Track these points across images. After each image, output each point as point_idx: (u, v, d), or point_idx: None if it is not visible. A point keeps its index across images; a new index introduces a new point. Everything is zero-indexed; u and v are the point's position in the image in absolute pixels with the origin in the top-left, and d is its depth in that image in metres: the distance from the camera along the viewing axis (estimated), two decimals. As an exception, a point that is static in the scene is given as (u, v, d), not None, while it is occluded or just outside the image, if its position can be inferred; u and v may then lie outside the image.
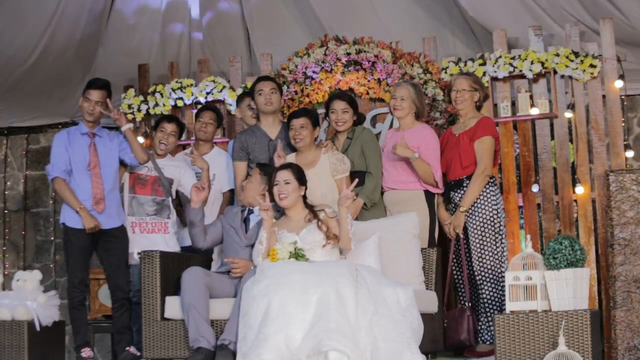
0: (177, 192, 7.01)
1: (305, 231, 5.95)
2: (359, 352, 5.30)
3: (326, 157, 6.74)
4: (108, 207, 6.48)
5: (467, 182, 6.67)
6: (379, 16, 8.62)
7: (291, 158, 6.72)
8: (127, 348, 6.45)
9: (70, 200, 6.43)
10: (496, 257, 6.62)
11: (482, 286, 6.63)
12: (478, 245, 6.63)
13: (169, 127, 6.97)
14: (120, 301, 6.51)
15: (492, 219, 6.62)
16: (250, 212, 6.39)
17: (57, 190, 6.57)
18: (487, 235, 6.62)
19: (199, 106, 8.19)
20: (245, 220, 6.36)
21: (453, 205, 6.76)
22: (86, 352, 6.40)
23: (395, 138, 6.77)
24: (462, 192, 6.69)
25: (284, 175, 6.09)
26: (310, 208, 6.08)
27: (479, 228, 6.62)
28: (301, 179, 6.11)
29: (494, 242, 6.62)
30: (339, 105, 6.86)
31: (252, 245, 6.19)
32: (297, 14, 8.92)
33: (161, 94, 8.28)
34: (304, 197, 6.14)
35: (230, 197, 7.36)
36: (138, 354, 6.37)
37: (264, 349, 5.31)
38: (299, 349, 5.32)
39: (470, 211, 6.65)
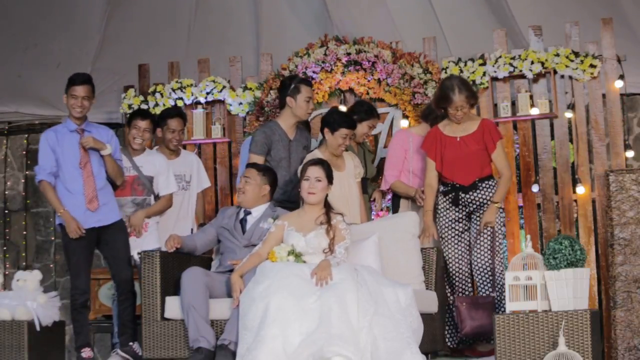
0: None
1: (313, 234, 5.89)
2: (360, 354, 5.31)
3: (350, 160, 6.88)
4: (104, 203, 6.40)
5: (481, 184, 6.67)
6: (387, 15, 8.62)
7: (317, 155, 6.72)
8: (130, 343, 6.43)
9: (53, 202, 6.39)
10: (492, 257, 6.64)
11: (480, 285, 6.65)
12: (478, 245, 6.65)
13: (143, 124, 6.90)
14: (125, 294, 6.47)
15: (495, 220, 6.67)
16: (248, 213, 6.37)
17: (42, 192, 6.53)
18: (486, 235, 6.64)
19: (199, 106, 8.21)
20: (242, 221, 6.35)
21: (462, 207, 6.71)
22: (86, 352, 6.38)
23: (418, 141, 6.97)
24: (475, 193, 6.66)
25: (316, 172, 5.99)
26: (328, 209, 6.00)
27: (478, 228, 6.65)
28: (330, 178, 6.03)
29: (491, 242, 6.64)
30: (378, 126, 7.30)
31: (251, 245, 6.19)
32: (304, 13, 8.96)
33: (161, 94, 8.28)
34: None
35: (203, 198, 7.44)
36: (140, 353, 6.35)
37: (260, 351, 5.31)
38: (296, 353, 5.31)
39: (476, 212, 6.67)
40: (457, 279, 6.72)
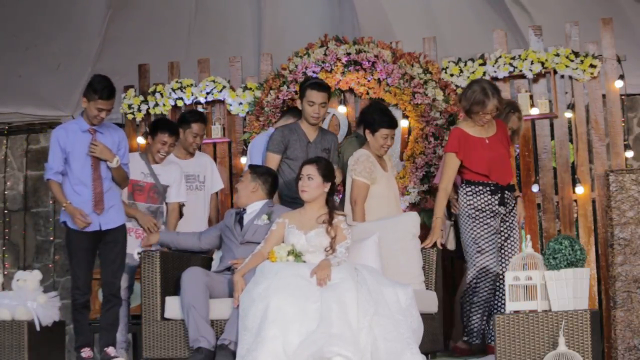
0: None
1: (314, 233, 5.90)
2: (360, 354, 5.31)
3: (387, 158, 6.89)
4: (110, 206, 6.32)
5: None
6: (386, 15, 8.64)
7: (371, 159, 6.72)
8: (105, 349, 6.31)
9: (58, 196, 6.30)
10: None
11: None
12: (513, 246, 6.74)
13: (170, 140, 6.94)
14: (106, 297, 6.37)
15: None
16: (244, 211, 6.40)
17: (50, 189, 6.49)
18: (517, 235, 6.76)
19: (199, 106, 8.20)
20: (240, 220, 6.37)
21: (502, 207, 6.63)
22: (86, 352, 6.33)
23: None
24: (511, 192, 6.70)
25: (308, 170, 6.02)
26: (331, 208, 6.00)
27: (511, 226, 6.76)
28: (327, 176, 6.02)
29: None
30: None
31: (246, 243, 6.21)
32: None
33: (161, 94, 8.28)
34: (329, 194, 6.06)
35: (217, 199, 7.49)
36: (116, 356, 6.30)
37: (260, 352, 5.31)
38: (295, 353, 5.31)
39: (509, 212, 6.71)
40: (492, 281, 6.60)
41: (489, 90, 6.48)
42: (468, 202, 6.58)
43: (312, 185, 6.00)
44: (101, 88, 6.25)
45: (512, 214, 6.70)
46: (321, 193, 6.02)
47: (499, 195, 6.60)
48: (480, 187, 6.59)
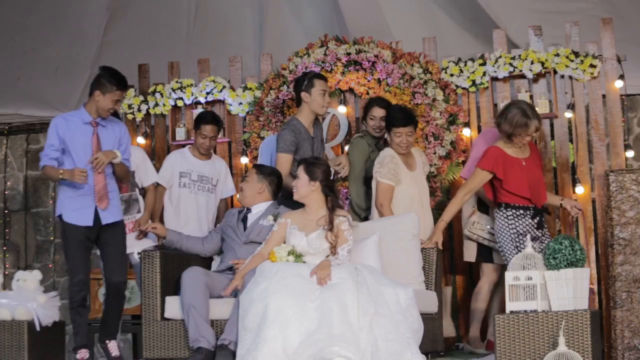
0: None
1: (315, 235, 5.90)
2: (360, 354, 5.31)
3: (419, 157, 6.88)
4: (110, 200, 6.29)
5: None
6: (385, 15, 8.64)
7: (396, 159, 6.71)
8: (107, 340, 6.30)
9: (52, 173, 6.19)
10: None
11: None
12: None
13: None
14: (112, 294, 6.35)
15: None
16: (249, 211, 6.40)
17: (46, 175, 6.35)
18: None
19: (199, 106, 8.20)
20: (244, 219, 6.37)
21: (539, 230, 6.62)
22: (81, 353, 6.29)
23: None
24: (544, 215, 6.71)
25: (298, 169, 6.09)
26: (331, 209, 5.98)
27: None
28: (312, 174, 6.00)
29: None
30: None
31: (250, 242, 6.22)
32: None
33: (161, 94, 8.28)
34: (330, 194, 6.02)
35: (226, 204, 7.49)
36: (116, 353, 6.29)
37: (260, 352, 5.31)
38: (296, 353, 5.31)
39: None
40: None
41: (529, 111, 6.46)
42: (510, 225, 6.54)
43: (298, 184, 6.02)
44: (118, 79, 6.24)
45: (546, 235, 6.65)
46: (310, 192, 6.00)
47: (538, 219, 6.59)
48: (522, 211, 6.56)
